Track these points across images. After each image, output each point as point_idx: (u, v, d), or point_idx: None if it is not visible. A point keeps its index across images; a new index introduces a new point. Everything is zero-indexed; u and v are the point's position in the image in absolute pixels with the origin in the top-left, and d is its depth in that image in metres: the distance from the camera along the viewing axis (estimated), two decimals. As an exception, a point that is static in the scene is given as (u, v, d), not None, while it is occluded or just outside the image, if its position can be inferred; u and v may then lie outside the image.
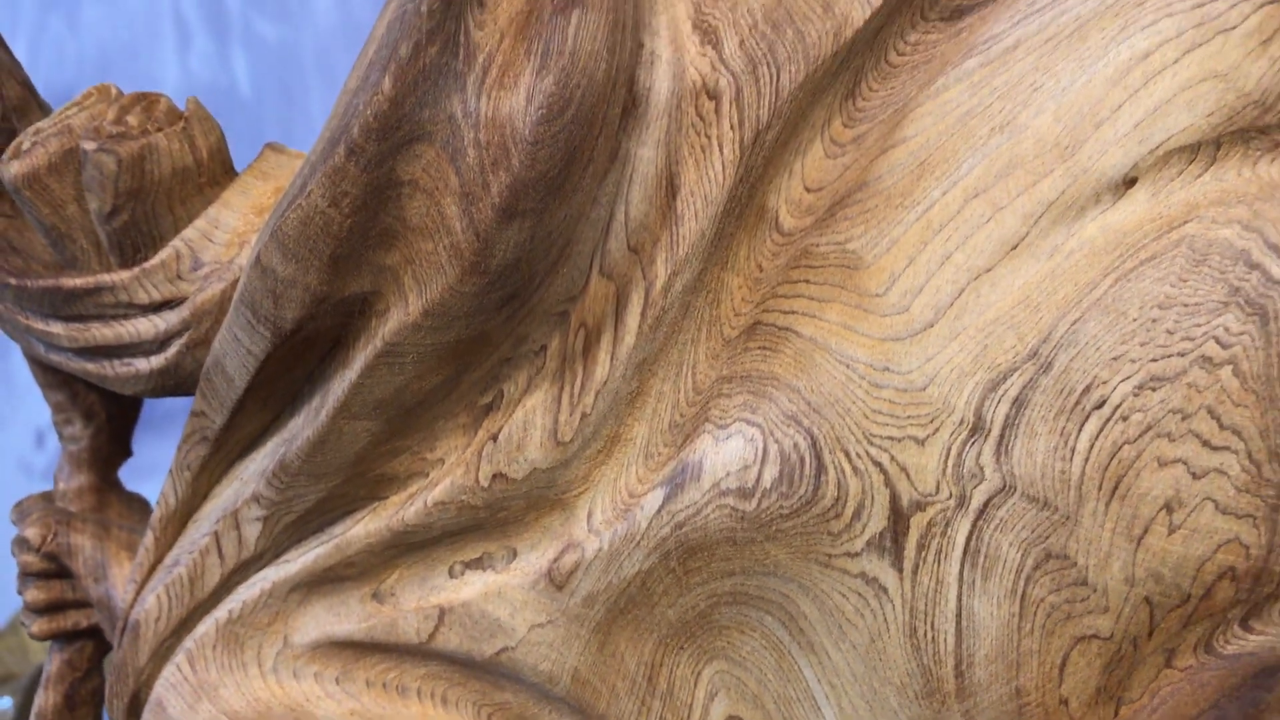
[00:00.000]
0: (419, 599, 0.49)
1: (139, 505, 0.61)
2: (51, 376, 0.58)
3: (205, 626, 0.52)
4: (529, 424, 0.46)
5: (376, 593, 0.50)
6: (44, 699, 0.62)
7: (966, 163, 0.43)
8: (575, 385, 0.46)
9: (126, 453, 0.62)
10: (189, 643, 0.52)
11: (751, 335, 0.46)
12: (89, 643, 0.62)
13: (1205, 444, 0.41)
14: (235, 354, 0.44)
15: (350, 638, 0.50)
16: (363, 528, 0.48)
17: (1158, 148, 0.41)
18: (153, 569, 0.52)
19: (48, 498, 0.60)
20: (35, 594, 0.59)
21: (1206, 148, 0.41)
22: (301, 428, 0.46)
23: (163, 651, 0.53)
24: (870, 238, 0.44)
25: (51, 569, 0.59)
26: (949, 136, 0.44)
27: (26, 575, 0.60)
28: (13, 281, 0.50)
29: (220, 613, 0.52)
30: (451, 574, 0.49)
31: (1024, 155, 0.42)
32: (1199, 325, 0.41)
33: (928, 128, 0.44)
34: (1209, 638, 0.42)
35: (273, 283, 0.41)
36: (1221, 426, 0.41)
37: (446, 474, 0.47)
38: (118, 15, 1.84)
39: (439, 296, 0.41)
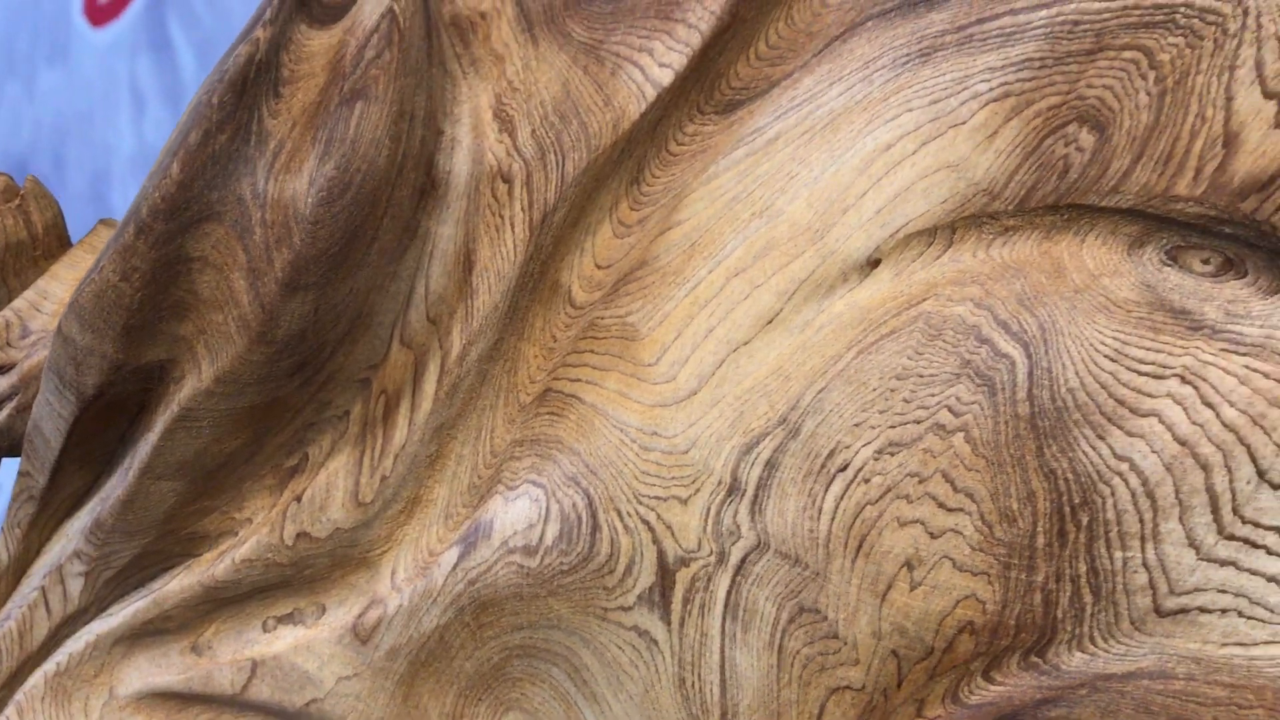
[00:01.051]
0: (234, 652, 0.51)
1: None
2: None
3: (34, 679, 0.54)
4: (331, 486, 0.49)
5: (195, 645, 0.52)
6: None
7: (730, 244, 0.47)
8: (375, 449, 0.49)
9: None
10: (19, 696, 0.54)
11: (543, 401, 0.49)
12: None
13: (941, 505, 0.44)
14: (49, 417, 0.47)
15: (170, 689, 0.52)
16: (178, 583, 0.51)
17: (898, 231, 0.45)
18: (-15, 624, 0.55)
19: None
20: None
21: (943, 231, 0.45)
22: (114, 487, 0.48)
23: (-6, 704, 0.55)
24: (646, 312, 0.47)
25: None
26: (717, 219, 0.47)
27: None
28: None
29: (49, 665, 0.54)
30: (265, 628, 0.52)
31: (780, 238, 0.46)
32: (933, 395, 0.44)
33: (700, 211, 0.47)
34: (954, 689, 0.45)
35: (73, 351, 0.44)
36: (955, 489, 0.44)
37: (253, 533, 0.49)
38: (75, 84, 1.87)
39: (229, 364, 0.44)
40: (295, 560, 0.49)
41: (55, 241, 0.52)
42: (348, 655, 0.50)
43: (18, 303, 0.50)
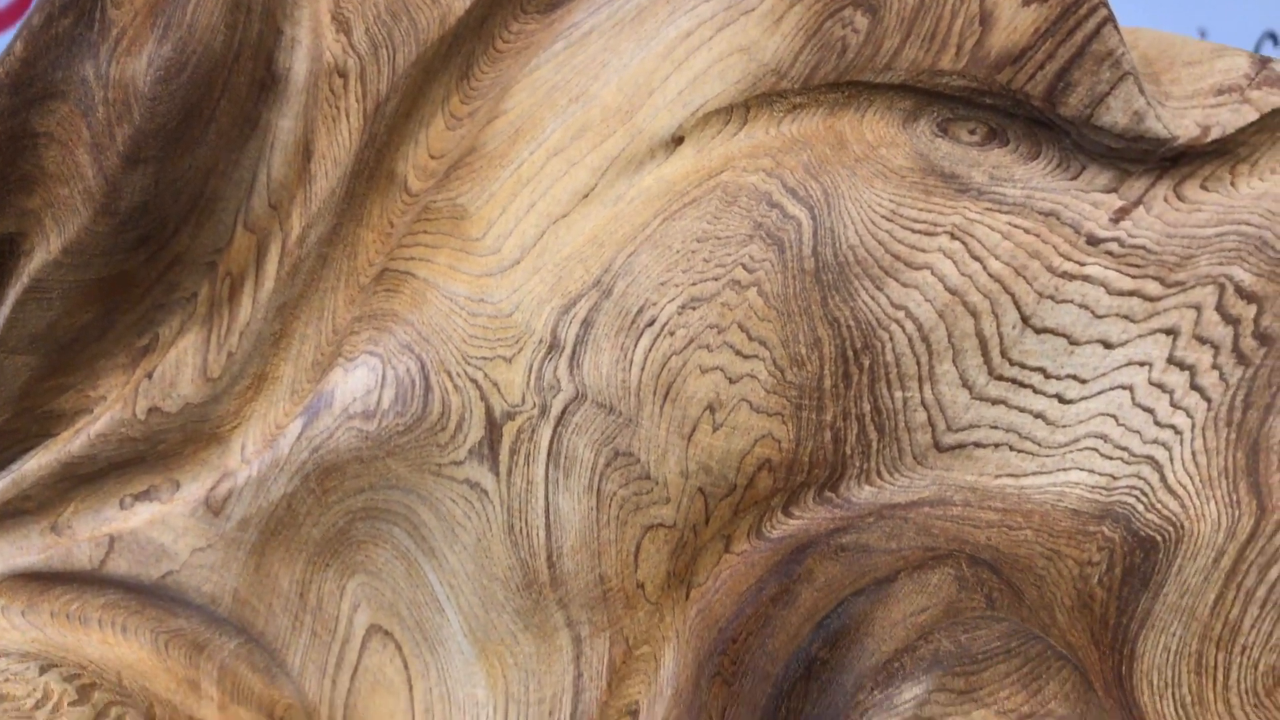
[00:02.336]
0: (92, 529, 0.54)
1: None
2: None
3: (-105, 569, 0.56)
4: (181, 363, 0.52)
5: (54, 525, 0.55)
6: None
7: (550, 127, 0.51)
8: (222, 327, 0.52)
9: None
10: (-120, 586, 0.56)
11: (380, 280, 0.52)
12: None
13: (738, 353, 0.48)
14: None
15: (31, 568, 0.55)
16: (35, 462, 0.53)
17: (698, 110, 0.49)
18: None
19: None
20: None
21: (738, 110, 0.49)
22: (-32, 365, 0.51)
23: None
24: (475, 193, 0.51)
25: None
26: (538, 107, 0.51)
27: None
28: None
29: (-91, 554, 0.56)
30: (122, 505, 0.54)
31: (594, 120, 0.50)
32: (729, 254, 0.48)
33: (523, 100, 0.51)
34: (758, 524, 0.50)
35: (-77, 222, 0.46)
36: (750, 338, 0.48)
37: (107, 409, 0.52)
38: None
39: (75, 235, 0.47)
40: (148, 435, 0.52)
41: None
42: (201, 528, 0.53)
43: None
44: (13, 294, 0.49)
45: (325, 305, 0.53)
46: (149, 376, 0.52)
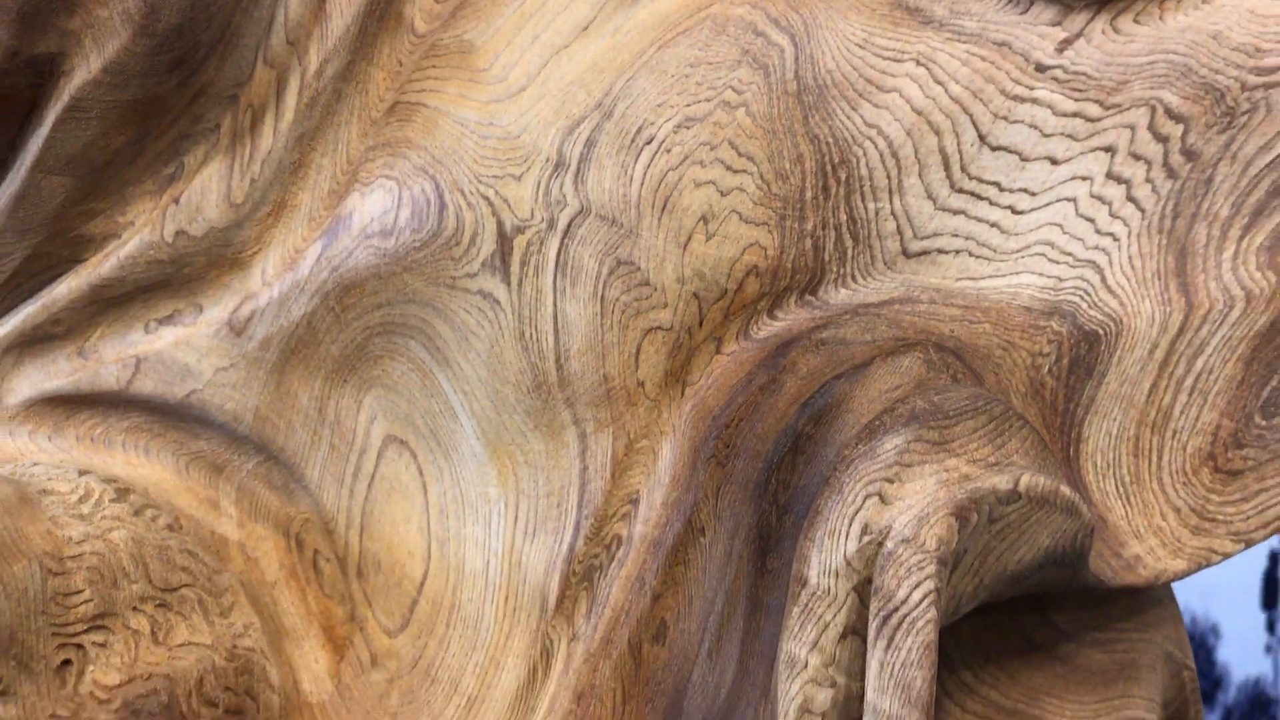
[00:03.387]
0: (118, 352, 0.57)
1: None
2: None
3: (-75, 398, 0.59)
4: (206, 189, 0.56)
5: (81, 350, 0.58)
6: None
7: (551, -33, 0.55)
8: (245, 155, 0.56)
9: None
10: (-90, 414, 0.59)
11: (392, 113, 0.56)
12: None
13: (728, 168, 0.53)
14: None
15: (59, 392, 0.58)
16: (65, 286, 0.56)
17: (688, -52, 0.54)
18: None
19: None
20: None
21: (725, -51, 0.54)
22: (5, 187, 0.54)
23: (-115, 424, 0.60)
24: (480, 29, 0.55)
25: None
26: (539, -50, 0.55)
27: None
28: None
29: (-62, 383, 0.59)
30: (147, 330, 0.58)
31: (592, -42, 0.55)
32: (720, 78, 0.53)
33: (524, -56, 0.56)
34: (745, 327, 0.55)
35: (-30, 40, 0.49)
36: (739, 154, 0.53)
37: (136, 233, 0.56)
38: None
39: (115, 55, 0.50)
40: (175, 258, 0.56)
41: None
42: (224, 347, 0.57)
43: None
44: (52, 114, 0.52)
45: (339, 138, 0.57)
46: (176, 202, 0.56)
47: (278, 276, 0.56)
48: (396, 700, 0.57)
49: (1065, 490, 0.48)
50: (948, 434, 0.48)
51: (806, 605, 0.48)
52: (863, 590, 0.47)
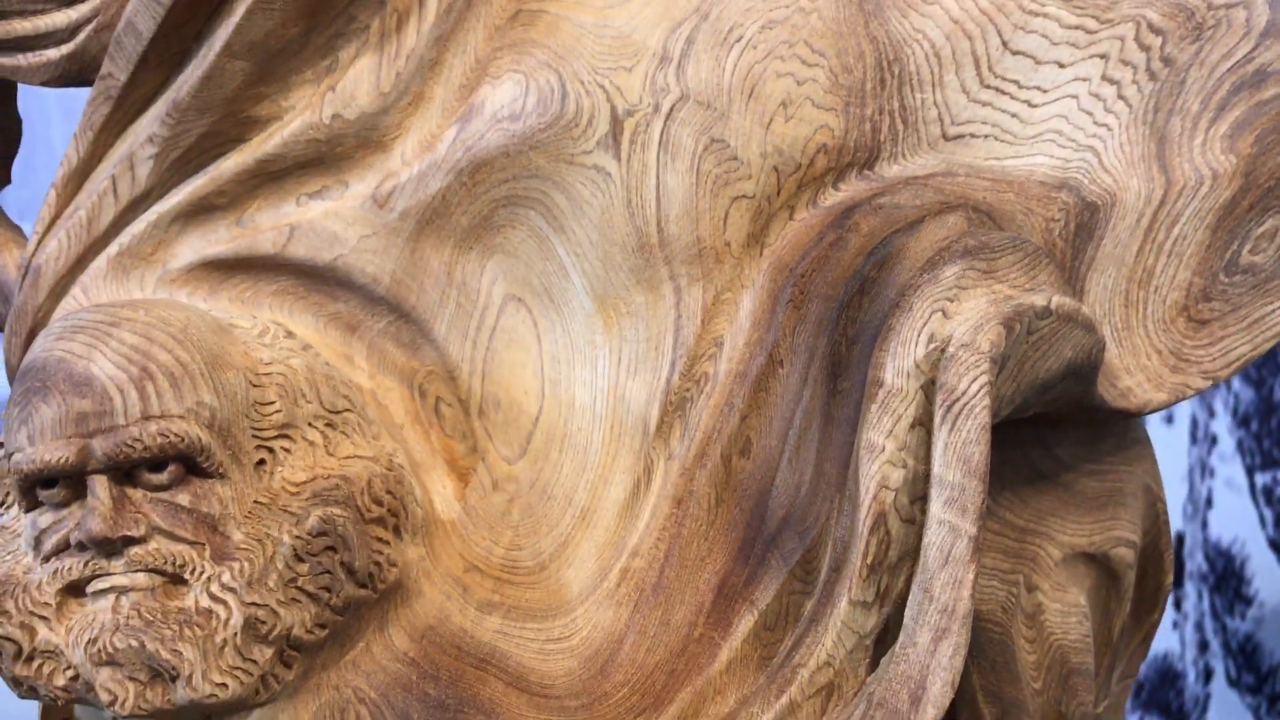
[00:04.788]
0: (274, 221, 0.67)
1: (15, 228, 0.75)
2: None
3: (98, 262, 0.67)
4: (358, 80, 0.65)
5: (240, 220, 0.67)
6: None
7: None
8: (392, 52, 0.65)
9: (7, 180, 0.75)
10: (84, 277, 0.67)
11: (515, 19, 0.67)
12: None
13: (804, 62, 0.65)
14: (146, 10, 0.61)
15: (219, 257, 0.67)
16: (233, 161, 0.65)
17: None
18: (53, 221, 0.67)
19: None
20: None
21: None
22: (192, 71, 0.63)
23: (59, 289, 0.68)
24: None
25: (-54, 259, 0.72)
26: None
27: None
28: (-56, -16, 0.64)
29: (111, 248, 0.67)
30: (298, 203, 0.67)
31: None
32: (796, -11, 0.65)
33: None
34: (815, 196, 0.66)
35: (182, -58, 0.59)
36: (813, 51, 0.65)
37: (298, 115, 0.65)
38: None
39: (299, -42, 0.60)
40: (330, 138, 0.65)
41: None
42: (368, 218, 0.66)
43: (98, -59, 0.64)
44: (244, 5, 0.61)
45: (468, 41, 0.67)
46: (333, 90, 0.65)
47: (416, 157, 0.66)
48: (518, 515, 0.67)
49: (1084, 310, 0.60)
50: (994, 264, 0.60)
51: (883, 402, 0.59)
52: (928, 389, 0.59)
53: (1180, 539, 1.77)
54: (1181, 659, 1.81)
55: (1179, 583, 1.80)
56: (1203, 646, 1.78)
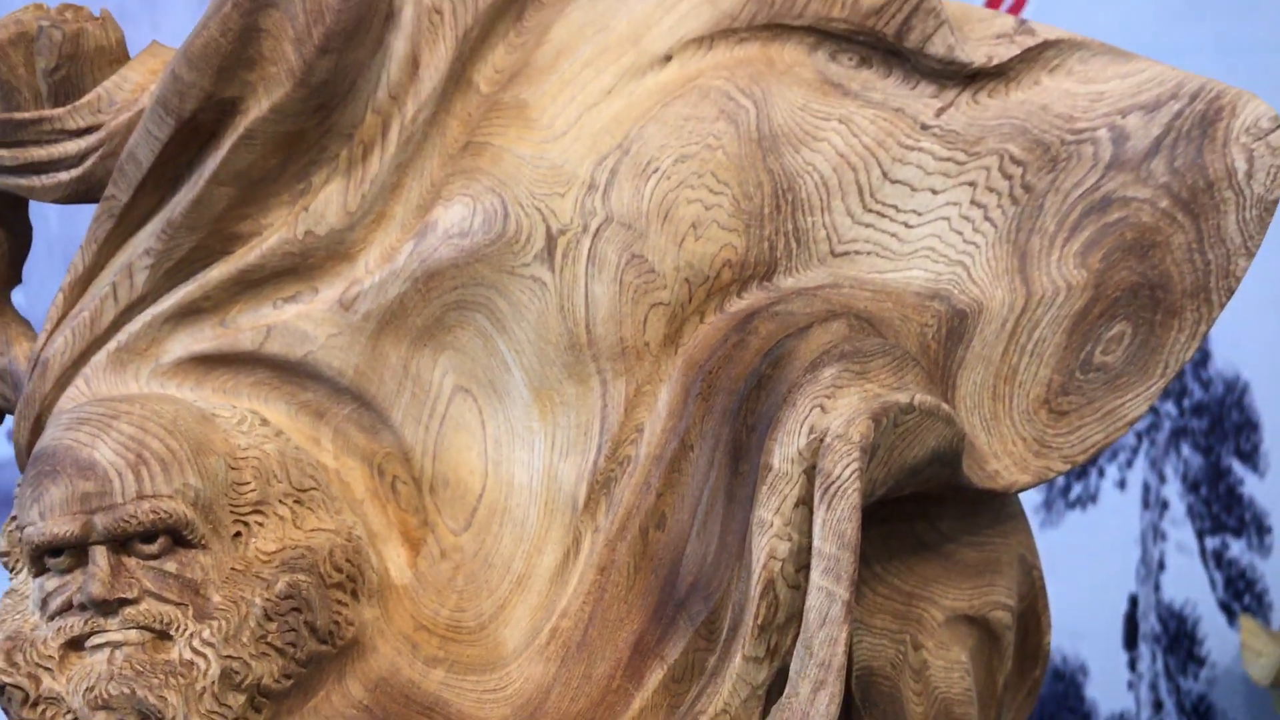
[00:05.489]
0: (253, 322, 0.77)
1: (25, 323, 0.85)
2: None
3: (98, 356, 0.77)
4: (329, 201, 0.76)
5: (224, 321, 0.77)
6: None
7: (582, 49, 0.77)
8: (358, 177, 0.76)
9: (18, 279, 0.85)
10: (86, 370, 0.77)
11: (465, 150, 0.77)
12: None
13: (711, 190, 0.75)
14: (146, 143, 0.72)
15: (204, 353, 0.77)
16: (218, 270, 0.76)
17: (680, 39, 0.77)
18: (60, 320, 0.77)
19: None
20: (-54, 371, 0.81)
21: (706, 40, 0.77)
22: (184, 194, 0.73)
23: (64, 380, 0.78)
24: (531, 91, 0.77)
25: (-39, 352, 0.82)
26: (573, 36, 0.77)
27: (-61, 358, 0.82)
28: (-30, 118, 0.75)
29: (111, 345, 0.77)
30: (275, 306, 0.77)
31: (612, 44, 0.77)
32: (705, 128, 0.76)
33: (561, 32, 0.78)
34: (721, 303, 0.76)
35: (181, 85, 0.69)
36: (719, 181, 0.75)
37: (275, 232, 0.75)
38: None
39: (278, 100, 0.71)
40: (303, 250, 0.75)
41: (123, 53, 0.76)
42: (335, 319, 0.76)
43: (105, 84, 0.74)
44: (229, 140, 0.72)
45: (425, 167, 0.77)
46: (306, 210, 0.76)
47: (378, 267, 0.76)
48: (462, 581, 0.76)
49: (945, 406, 0.70)
50: (866, 367, 0.70)
51: (771, 484, 0.69)
52: (810, 473, 0.68)
53: (1134, 601, 1.85)
54: (1137, 719, 1.89)
55: (1133, 644, 1.87)
56: (1157, 706, 1.86)
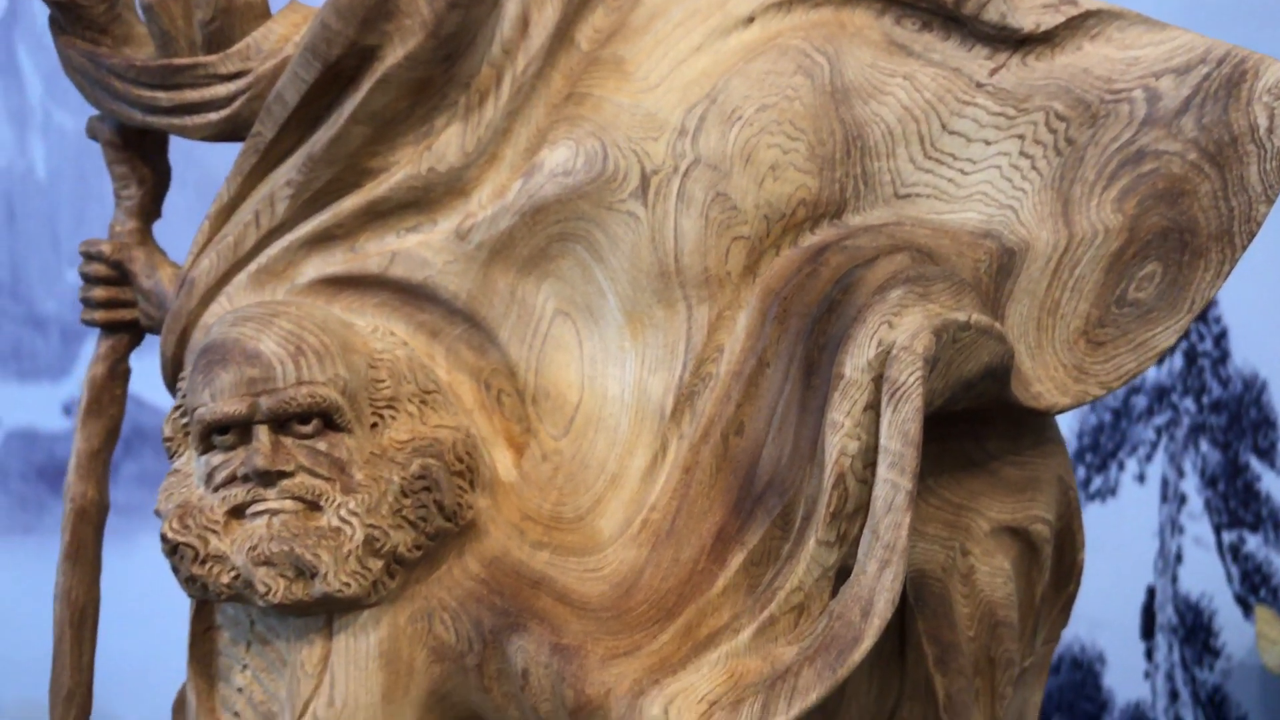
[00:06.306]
0: (379, 248, 0.86)
1: (164, 253, 0.95)
2: (120, 153, 0.92)
3: (240, 277, 0.87)
4: (448, 142, 0.85)
5: (353, 247, 0.87)
6: (94, 370, 0.93)
7: (674, 12, 0.86)
8: (475, 121, 0.85)
9: (159, 213, 0.95)
10: (228, 288, 0.87)
11: (568, 99, 0.86)
12: (128, 335, 0.94)
13: (788, 137, 0.84)
14: (293, 85, 0.81)
15: (335, 275, 0.86)
16: (350, 201, 0.85)
17: (762, 3, 0.86)
18: (205, 244, 0.87)
19: (109, 234, 0.93)
20: (99, 292, 0.91)
21: (784, 4, 0.86)
22: (324, 132, 0.83)
23: (208, 297, 0.87)
24: (629, 48, 0.86)
25: (114, 275, 0.91)
26: (665, 0, 0.87)
27: (93, 280, 0.91)
28: (136, 63, 0.84)
29: (251, 266, 0.87)
30: (398, 235, 0.87)
31: (701, 6, 0.86)
32: (784, 81, 0.85)
33: (655, -1, 0.87)
34: (795, 238, 0.86)
35: (329, 33, 0.79)
36: (795, 129, 0.85)
37: (402, 168, 0.85)
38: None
39: (413, 49, 0.80)
40: (425, 185, 0.85)
41: (266, 10, 0.86)
42: (452, 248, 0.86)
43: (253, 34, 0.84)
44: (368, 84, 0.82)
45: (533, 115, 0.87)
46: (429, 149, 0.85)
47: (490, 202, 0.86)
48: (561, 480, 0.85)
49: (997, 325, 0.79)
50: (929, 290, 0.79)
51: (843, 390, 0.78)
52: (877, 381, 0.77)
53: (1152, 592, 1.91)
54: (1153, 708, 1.95)
55: (1150, 635, 1.93)
56: (1173, 696, 1.92)
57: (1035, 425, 0.90)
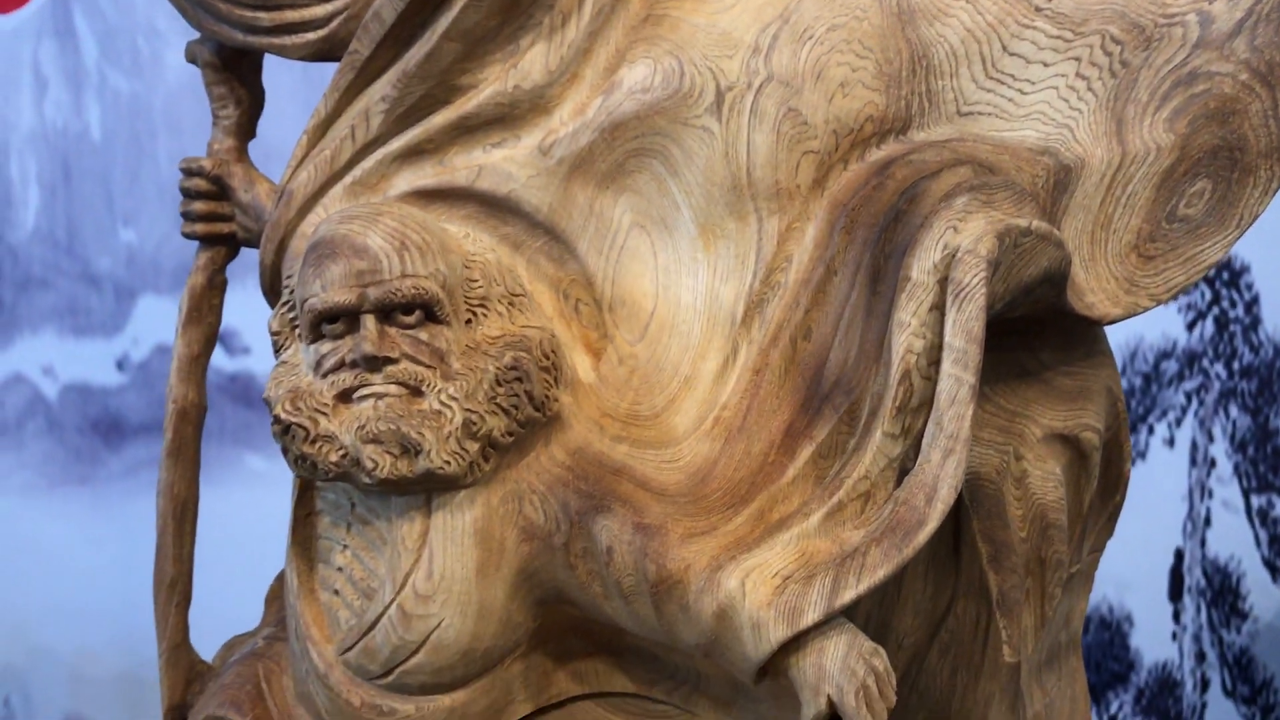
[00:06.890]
0: (467, 162, 0.91)
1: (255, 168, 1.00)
2: (219, 74, 0.97)
3: (335, 189, 0.92)
4: (533, 61, 0.90)
5: (442, 161, 0.92)
6: (194, 279, 0.98)
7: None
8: (558, 41, 0.90)
9: (254, 134, 1.00)
10: (324, 200, 0.92)
11: (646, 21, 0.91)
12: (225, 248, 0.99)
13: (857, 55, 0.89)
14: (390, 3, 0.87)
15: (425, 188, 0.91)
16: (440, 117, 0.90)
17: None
18: (303, 158, 0.92)
19: (208, 152, 0.98)
20: (199, 206, 0.97)
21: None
22: (418, 49, 0.88)
23: (305, 208, 0.92)
24: (701, -20, 0.91)
25: (213, 190, 0.97)
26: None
27: (193, 194, 0.97)
28: (238, -15, 0.90)
29: (346, 179, 0.92)
30: (485, 150, 0.91)
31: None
32: (853, 3, 0.89)
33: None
34: (863, 153, 0.90)
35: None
36: (864, 47, 0.89)
37: (489, 85, 0.90)
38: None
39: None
40: (511, 102, 0.90)
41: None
42: (534, 162, 0.91)
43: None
44: (460, 2, 0.86)
45: (612, 36, 0.91)
46: (515, 67, 0.90)
47: (572, 119, 0.91)
48: (637, 382, 0.90)
49: (1056, 232, 0.84)
50: (992, 198, 0.83)
51: (909, 292, 0.82)
52: (942, 283, 0.82)
53: (1179, 555, 1.95)
54: (1180, 669, 1.98)
55: (1178, 597, 1.96)
56: (1200, 657, 1.95)
57: (1087, 337, 0.95)
